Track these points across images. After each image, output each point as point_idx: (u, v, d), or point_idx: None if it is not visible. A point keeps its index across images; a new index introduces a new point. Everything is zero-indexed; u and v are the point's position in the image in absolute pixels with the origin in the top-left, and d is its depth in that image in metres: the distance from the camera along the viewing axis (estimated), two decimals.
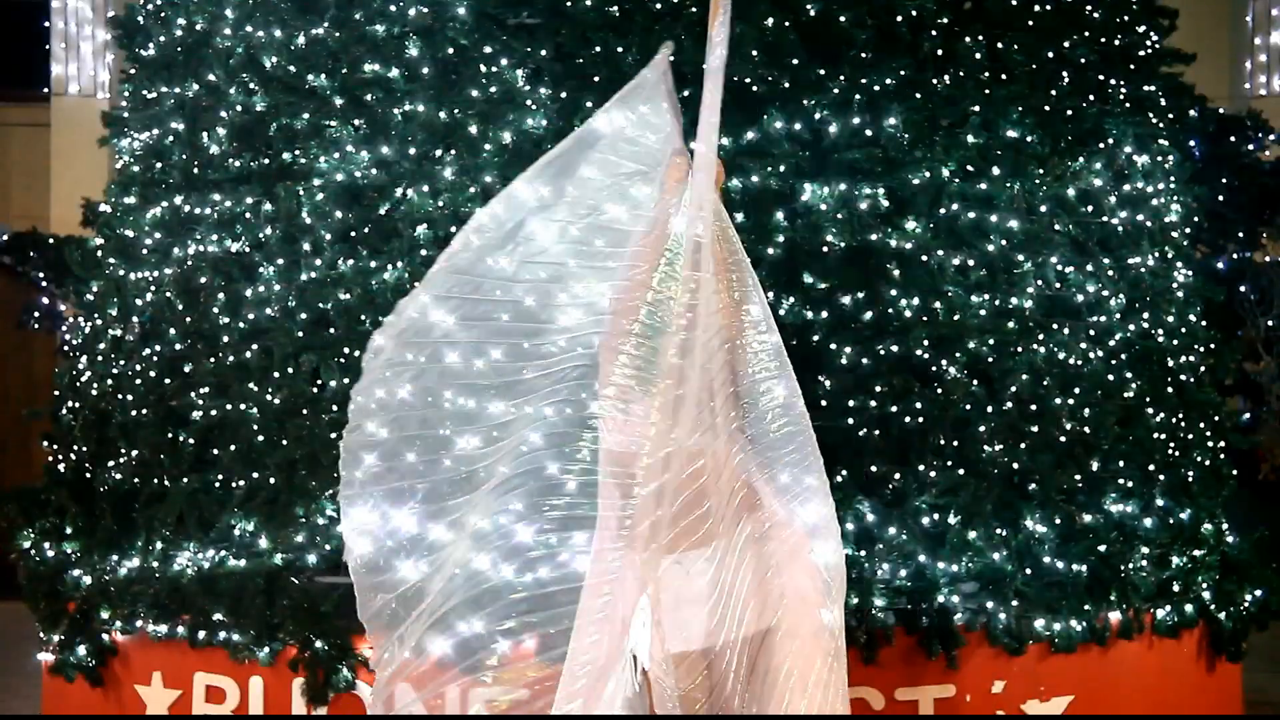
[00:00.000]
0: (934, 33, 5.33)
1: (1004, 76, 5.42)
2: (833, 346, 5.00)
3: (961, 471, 5.06)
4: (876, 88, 5.18)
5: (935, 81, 5.30)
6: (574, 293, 3.74)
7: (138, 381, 5.49)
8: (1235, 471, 6.11)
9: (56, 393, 6.04)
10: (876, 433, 5.00)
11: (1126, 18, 5.97)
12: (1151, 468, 5.50)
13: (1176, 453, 5.64)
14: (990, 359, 5.19)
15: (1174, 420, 5.66)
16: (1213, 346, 6.15)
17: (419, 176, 5.06)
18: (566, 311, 3.74)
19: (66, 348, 6.41)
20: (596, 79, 4.99)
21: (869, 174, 5.10)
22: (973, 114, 5.33)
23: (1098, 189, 5.62)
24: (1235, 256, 9.13)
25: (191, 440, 5.25)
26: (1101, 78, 5.78)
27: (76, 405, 5.82)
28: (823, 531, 3.54)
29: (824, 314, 5.03)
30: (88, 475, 5.62)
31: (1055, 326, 5.37)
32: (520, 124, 5.03)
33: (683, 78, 5.01)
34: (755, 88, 5.07)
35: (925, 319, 5.11)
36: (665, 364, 3.42)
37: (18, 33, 12.91)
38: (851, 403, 4.97)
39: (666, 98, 3.75)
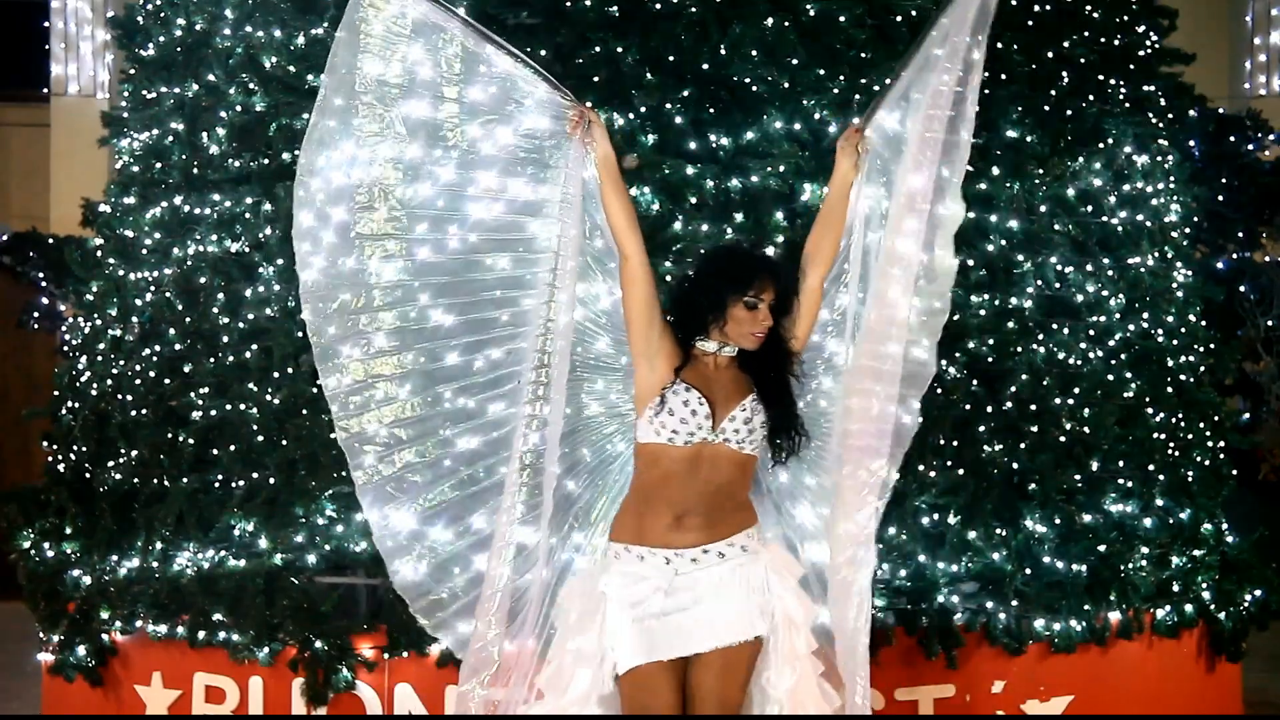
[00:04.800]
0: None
1: (1004, 76, 5.41)
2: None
3: (961, 471, 5.06)
4: (876, 88, 5.16)
5: None
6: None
7: (138, 381, 5.49)
8: (1235, 471, 6.10)
9: (56, 393, 6.03)
10: None
11: (1126, 18, 5.96)
12: (1151, 468, 5.50)
13: (1176, 453, 5.63)
14: (990, 359, 5.18)
15: (1174, 420, 5.65)
16: (1213, 346, 6.14)
17: None
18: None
19: (66, 348, 6.39)
20: (596, 79, 4.99)
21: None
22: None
23: (1097, 189, 5.62)
24: (1235, 256, 9.11)
25: (191, 440, 5.25)
26: (1101, 78, 5.77)
27: (76, 405, 5.82)
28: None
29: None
30: (88, 475, 5.62)
31: (1055, 326, 5.37)
32: None
33: (682, 78, 5.04)
34: (755, 88, 5.06)
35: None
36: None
37: (17, 33, 12.89)
38: None
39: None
